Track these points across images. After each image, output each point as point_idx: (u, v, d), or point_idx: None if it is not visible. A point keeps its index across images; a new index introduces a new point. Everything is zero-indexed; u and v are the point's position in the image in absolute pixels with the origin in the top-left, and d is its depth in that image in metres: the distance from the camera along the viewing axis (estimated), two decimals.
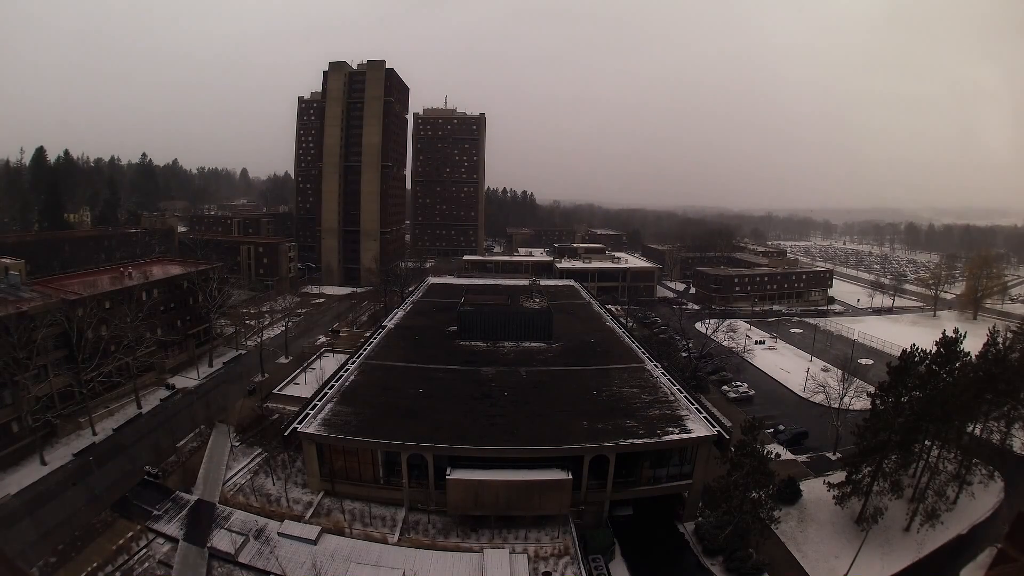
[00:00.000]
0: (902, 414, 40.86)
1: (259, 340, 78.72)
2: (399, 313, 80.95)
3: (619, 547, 40.65)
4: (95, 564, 35.53)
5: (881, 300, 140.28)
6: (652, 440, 41.75)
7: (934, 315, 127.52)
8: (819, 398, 60.21)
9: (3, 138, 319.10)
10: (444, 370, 56.47)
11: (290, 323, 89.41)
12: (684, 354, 75.12)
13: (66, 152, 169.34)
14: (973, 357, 44.83)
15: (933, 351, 42.74)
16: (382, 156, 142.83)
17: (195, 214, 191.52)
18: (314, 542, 37.54)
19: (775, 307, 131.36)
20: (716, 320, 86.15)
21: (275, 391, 64.96)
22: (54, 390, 51.66)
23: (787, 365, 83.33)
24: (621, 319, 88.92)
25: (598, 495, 42.38)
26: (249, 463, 49.01)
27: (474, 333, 66.81)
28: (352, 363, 56.98)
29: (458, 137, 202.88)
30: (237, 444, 52.05)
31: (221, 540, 37.83)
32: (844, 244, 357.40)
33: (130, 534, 38.91)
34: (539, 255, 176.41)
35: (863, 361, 79.66)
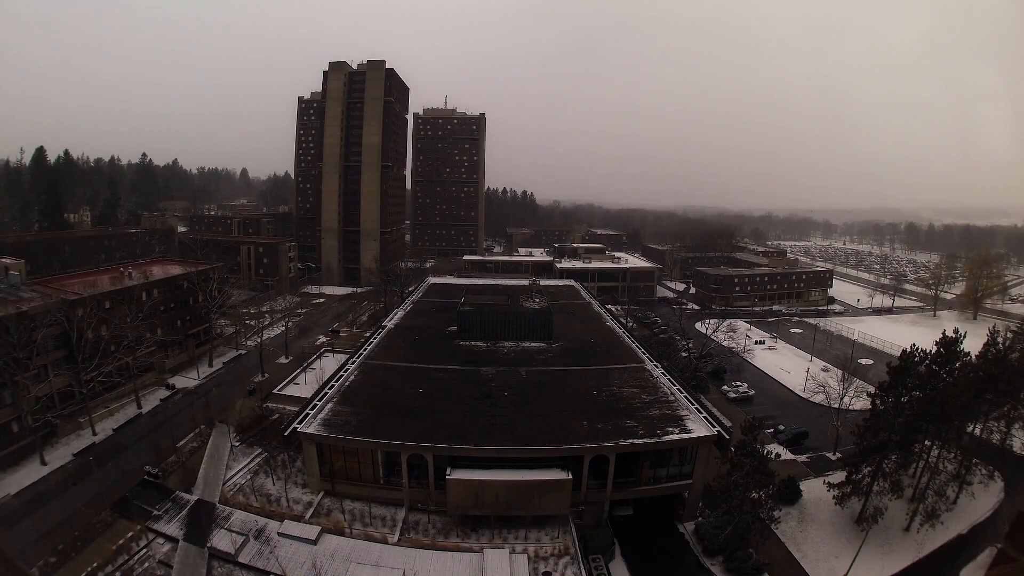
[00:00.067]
0: (902, 414, 40.87)
1: (259, 340, 78.71)
2: (399, 313, 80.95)
3: (619, 547, 40.62)
4: (95, 564, 35.55)
5: (881, 300, 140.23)
6: (652, 440, 41.75)
7: (934, 315, 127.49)
8: (819, 398, 60.21)
9: (3, 138, 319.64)
10: (444, 370, 56.46)
11: (290, 323, 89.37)
12: (684, 354, 75.13)
13: (66, 152, 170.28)
14: (973, 357, 44.83)
15: (933, 351, 42.78)
16: (382, 156, 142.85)
17: (195, 214, 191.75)
18: (314, 542, 37.55)
19: (775, 307, 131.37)
20: (716, 320, 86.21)
21: (275, 391, 64.94)
22: (54, 390, 51.70)
23: (787, 365, 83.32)
24: (621, 319, 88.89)
25: (598, 495, 42.37)
26: (249, 463, 49.01)
27: (474, 333, 66.82)
28: (352, 363, 56.98)
29: (458, 137, 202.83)
30: (237, 444, 52.05)
31: (221, 540, 37.85)
32: (844, 244, 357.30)
33: (130, 534, 38.93)
34: (539, 255, 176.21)
35: (863, 361, 79.66)
